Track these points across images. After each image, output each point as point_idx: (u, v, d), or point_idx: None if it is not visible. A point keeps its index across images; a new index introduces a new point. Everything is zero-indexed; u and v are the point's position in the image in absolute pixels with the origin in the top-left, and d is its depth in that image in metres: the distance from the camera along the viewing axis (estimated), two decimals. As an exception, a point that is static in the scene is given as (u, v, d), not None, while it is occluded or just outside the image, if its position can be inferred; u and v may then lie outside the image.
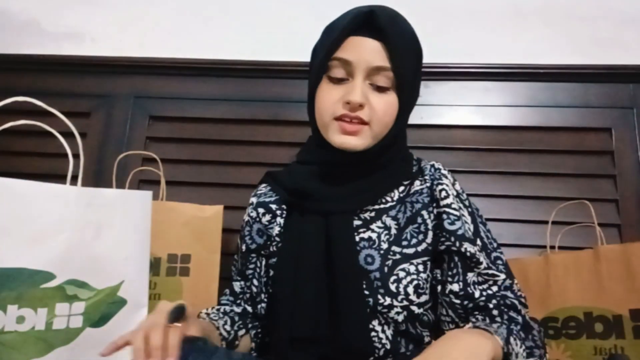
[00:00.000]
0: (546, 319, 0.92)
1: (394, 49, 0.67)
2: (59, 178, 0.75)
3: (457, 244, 0.67)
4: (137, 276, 0.77)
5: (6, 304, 0.63)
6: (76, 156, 0.73)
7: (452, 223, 0.68)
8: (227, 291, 0.81)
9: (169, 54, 1.26)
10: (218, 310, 0.77)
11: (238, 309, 0.78)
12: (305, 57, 1.23)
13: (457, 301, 0.66)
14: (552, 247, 0.99)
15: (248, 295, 0.79)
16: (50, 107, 0.74)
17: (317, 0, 1.27)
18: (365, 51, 0.67)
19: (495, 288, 0.66)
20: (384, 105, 0.68)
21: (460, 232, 0.67)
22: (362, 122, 0.67)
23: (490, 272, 0.67)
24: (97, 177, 1.19)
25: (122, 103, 1.25)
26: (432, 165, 0.75)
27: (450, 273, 0.67)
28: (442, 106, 1.19)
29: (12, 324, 0.64)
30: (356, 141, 0.68)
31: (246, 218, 0.82)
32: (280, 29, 1.29)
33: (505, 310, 0.64)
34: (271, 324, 0.72)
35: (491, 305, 0.64)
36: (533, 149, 1.14)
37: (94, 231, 0.72)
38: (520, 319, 0.62)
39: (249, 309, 0.78)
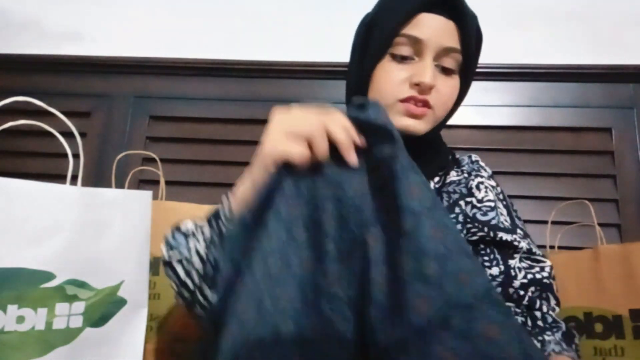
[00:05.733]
0: (546, 319, 0.92)
1: (466, 30, 0.63)
2: (59, 178, 0.74)
3: (492, 233, 0.64)
4: (137, 276, 0.77)
5: (6, 304, 0.63)
6: (76, 156, 0.73)
7: (484, 214, 0.65)
8: None
9: (169, 54, 1.26)
10: None
11: None
12: (305, 57, 1.24)
13: (495, 283, 0.62)
14: (552, 247, 0.99)
15: None
16: (50, 107, 0.74)
17: (317, 1, 1.27)
18: (439, 30, 0.62)
19: (544, 274, 0.63)
20: (450, 89, 0.65)
21: (493, 222, 0.65)
22: (427, 106, 0.63)
23: (535, 257, 0.64)
24: (97, 177, 1.19)
25: (122, 103, 1.25)
26: (470, 157, 0.73)
27: (487, 259, 0.64)
28: (442, 106, 1.19)
29: (12, 324, 0.64)
30: (420, 125, 0.64)
31: None
32: (280, 28, 1.29)
33: (546, 311, 0.62)
34: None
35: (527, 298, 0.61)
36: (533, 149, 1.14)
37: (94, 231, 0.72)
38: (562, 325, 0.60)
39: None
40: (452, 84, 0.65)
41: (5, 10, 1.34)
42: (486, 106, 1.18)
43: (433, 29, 0.61)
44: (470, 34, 0.63)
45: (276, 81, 1.23)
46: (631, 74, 1.15)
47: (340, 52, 1.31)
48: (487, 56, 1.23)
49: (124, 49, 1.28)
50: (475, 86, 1.26)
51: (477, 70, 1.20)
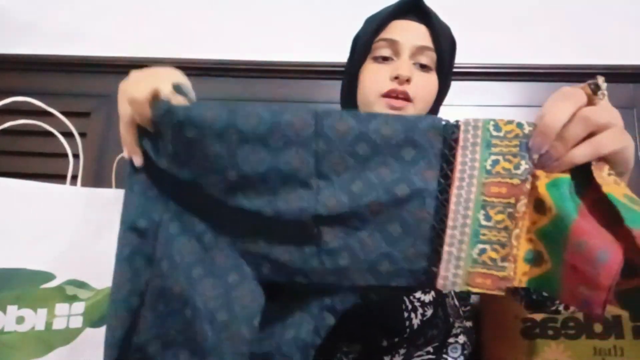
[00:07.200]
0: (545, 319, 0.91)
1: (437, 31, 0.71)
2: (59, 178, 0.75)
3: None
4: (137, 276, 0.77)
5: (6, 304, 0.63)
6: (76, 156, 0.73)
7: None
8: None
9: (168, 54, 1.26)
10: None
11: None
12: (304, 57, 1.24)
13: None
14: (552, 247, 0.99)
15: None
16: (50, 107, 0.74)
17: (316, 1, 1.28)
18: (411, 32, 0.71)
19: None
20: (428, 83, 0.71)
21: None
22: (407, 99, 0.69)
23: None
24: (97, 177, 1.19)
25: (122, 103, 1.25)
26: None
27: None
28: (442, 106, 1.19)
29: (12, 324, 0.64)
30: None
31: None
32: (280, 29, 1.29)
33: None
34: None
35: None
36: (533, 149, 1.14)
37: (94, 231, 0.72)
38: None
39: None
40: (429, 78, 0.72)
41: (5, 10, 1.34)
42: (486, 106, 1.18)
43: (407, 31, 0.71)
44: (440, 35, 0.71)
45: (276, 81, 1.23)
46: (631, 74, 1.15)
47: (340, 52, 1.31)
48: (488, 56, 1.23)
49: (124, 49, 1.28)
50: (476, 86, 1.26)
51: (477, 70, 1.21)
